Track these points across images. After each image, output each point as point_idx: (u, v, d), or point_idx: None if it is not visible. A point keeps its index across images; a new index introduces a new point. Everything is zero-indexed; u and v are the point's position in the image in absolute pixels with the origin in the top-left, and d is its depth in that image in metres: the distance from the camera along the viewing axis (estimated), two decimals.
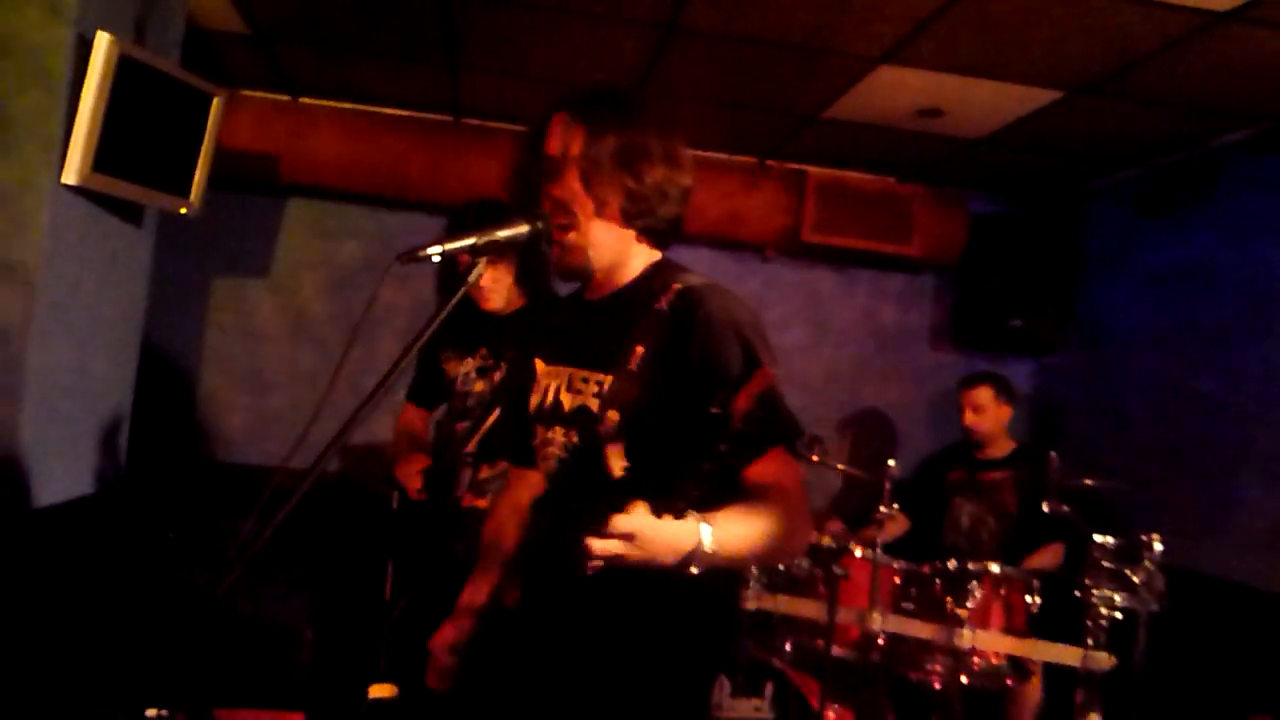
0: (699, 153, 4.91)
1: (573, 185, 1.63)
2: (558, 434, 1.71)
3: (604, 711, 1.64)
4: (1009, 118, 3.88)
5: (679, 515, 1.41)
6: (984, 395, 4.11)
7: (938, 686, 3.37)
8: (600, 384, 1.65)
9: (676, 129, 1.71)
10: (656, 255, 1.76)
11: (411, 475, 2.88)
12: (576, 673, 1.65)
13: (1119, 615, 2.96)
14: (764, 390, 1.59)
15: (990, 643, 3.23)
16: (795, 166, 4.66)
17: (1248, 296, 3.83)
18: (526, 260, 2.80)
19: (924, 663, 3.33)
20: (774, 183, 4.58)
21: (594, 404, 1.64)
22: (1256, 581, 3.57)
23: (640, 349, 1.63)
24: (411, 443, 3.07)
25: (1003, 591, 3.34)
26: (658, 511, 1.38)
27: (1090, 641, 2.94)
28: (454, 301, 1.57)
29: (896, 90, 3.71)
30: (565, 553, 1.43)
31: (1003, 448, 4.14)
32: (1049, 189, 4.86)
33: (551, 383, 1.75)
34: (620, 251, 1.71)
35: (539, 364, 1.81)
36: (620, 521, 1.33)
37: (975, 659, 3.29)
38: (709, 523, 1.43)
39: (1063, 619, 3.19)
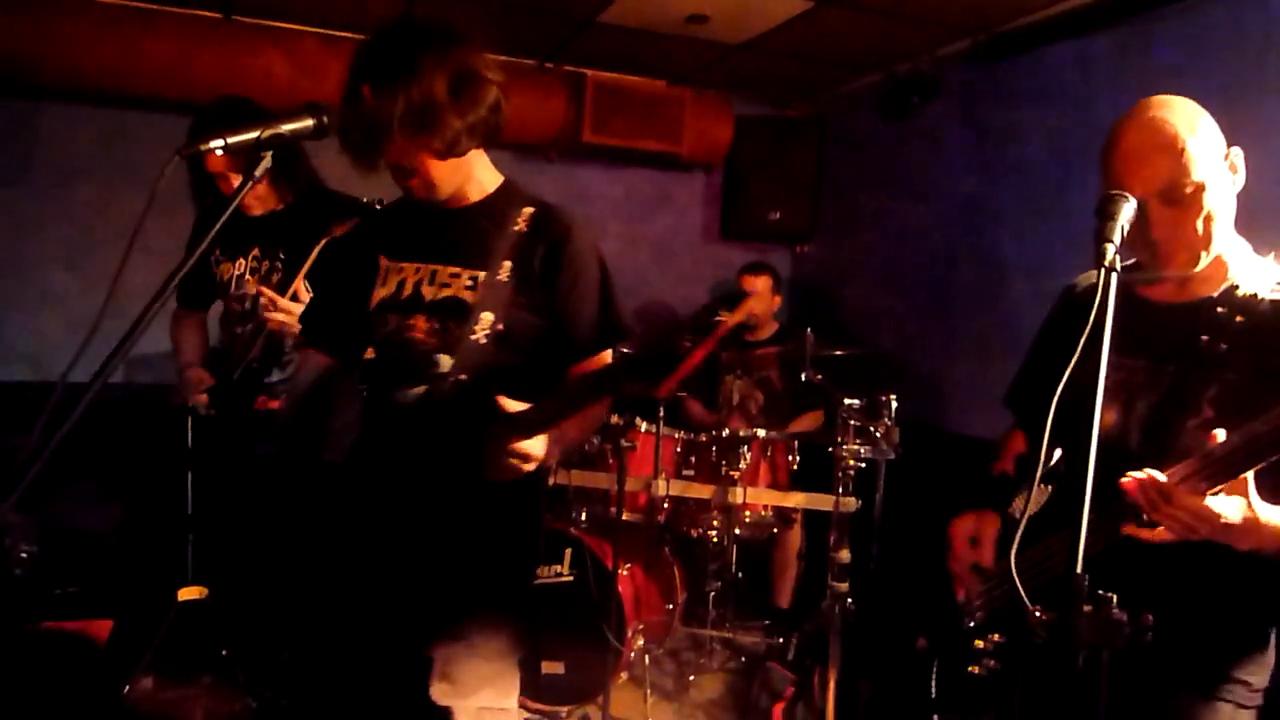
0: None
1: (404, 146, 1.70)
2: (419, 322, 1.83)
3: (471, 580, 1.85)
4: (767, 25, 4.18)
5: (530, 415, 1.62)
6: (763, 283, 4.56)
7: (715, 539, 3.82)
8: (474, 280, 1.81)
9: (463, 41, 1.75)
10: (501, 177, 1.92)
11: (195, 393, 2.89)
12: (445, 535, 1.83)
13: (862, 465, 3.42)
14: (613, 301, 1.86)
15: (758, 497, 3.69)
16: (573, 70, 4.81)
17: (963, 193, 4.40)
18: (279, 162, 2.77)
19: (703, 520, 3.75)
20: (554, 85, 4.71)
21: (468, 296, 1.80)
22: (966, 429, 4.24)
23: (508, 263, 1.79)
24: (189, 348, 3.05)
25: (768, 453, 3.80)
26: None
27: (840, 489, 3.37)
28: (235, 202, 1.54)
29: None
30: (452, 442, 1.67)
31: (769, 330, 4.62)
32: (802, 93, 5.28)
33: (405, 276, 1.87)
34: (464, 172, 1.82)
35: (383, 259, 1.92)
36: (525, 450, 1.62)
37: (746, 512, 3.75)
38: (561, 433, 1.70)
39: (818, 472, 3.69)
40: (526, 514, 1.96)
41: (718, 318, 1.41)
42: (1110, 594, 1.03)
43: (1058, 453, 1.82)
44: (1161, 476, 1.40)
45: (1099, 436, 1.59)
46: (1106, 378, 1.61)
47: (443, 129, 1.69)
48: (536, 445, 1.65)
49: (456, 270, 1.84)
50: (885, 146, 4.91)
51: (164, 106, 4.14)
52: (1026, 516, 1.18)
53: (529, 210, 1.85)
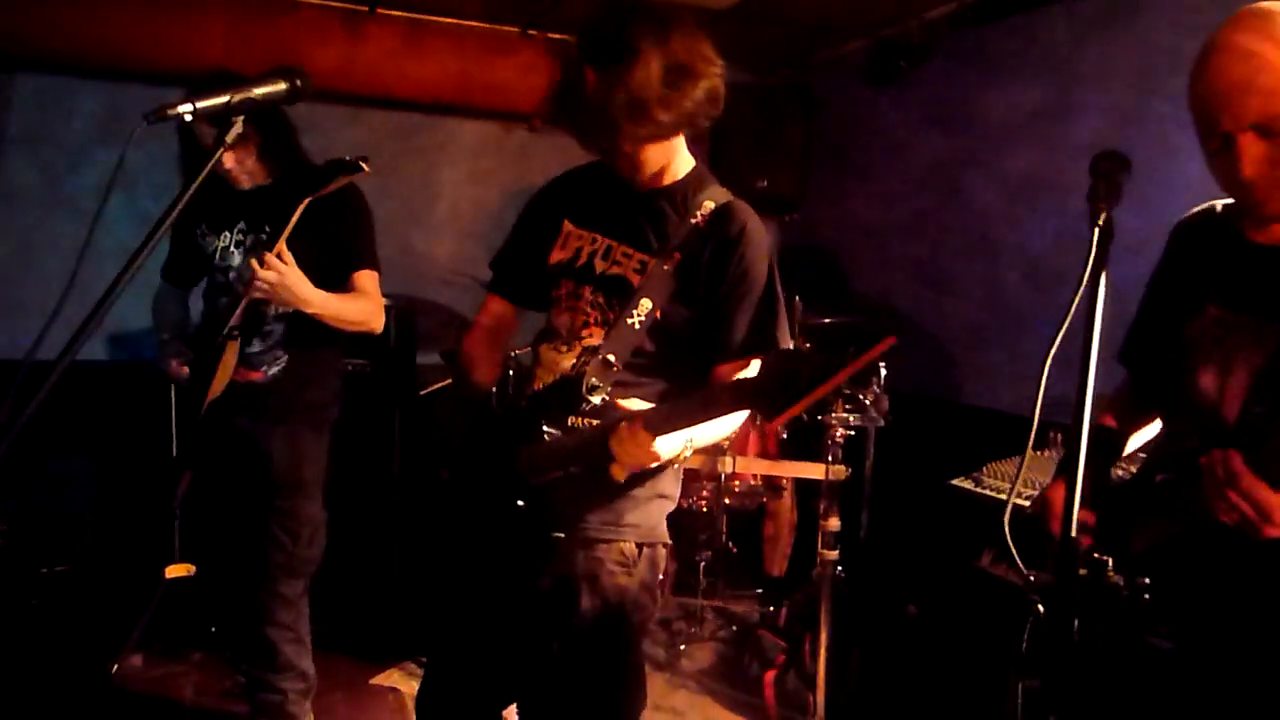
0: (459, 21, 4.86)
1: (609, 136, 1.76)
2: (586, 292, 1.89)
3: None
4: None
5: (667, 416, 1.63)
6: None
7: (705, 509, 3.82)
8: (643, 264, 1.84)
9: (682, 29, 1.78)
10: (692, 162, 1.93)
11: (177, 369, 2.86)
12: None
13: (852, 433, 3.42)
14: (774, 310, 1.84)
15: (747, 466, 3.69)
16: (556, 36, 4.74)
17: (952, 159, 4.37)
18: (267, 134, 2.72)
19: (693, 490, 3.75)
20: (537, 51, 4.64)
21: (634, 279, 1.83)
22: (955, 396, 4.25)
23: (679, 255, 1.81)
24: (170, 323, 3.01)
25: (757, 423, 3.80)
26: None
27: (829, 457, 3.36)
28: (208, 167, 1.48)
29: None
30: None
31: None
32: (789, 60, 5.22)
33: (583, 245, 1.92)
34: (667, 155, 1.87)
35: (567, 223, 1.96)
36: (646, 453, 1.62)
37: (736, 482, 3.75)
38: (688, 440, 1.71)
39: (807, 441, 3.68)
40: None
41: (848, 354, 1.35)
42: (1106, 558, 1.01)
43: (1138, 435, 1.73)
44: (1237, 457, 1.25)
45: (1197, 404, 1.48)
46: (1205, 335, 1.50)
47: (651, 120, 1.72)
48: (659, 445, 1.64)
49: (629, 250, 1.87)
50: (873, 113, 4.87)
51: (147, 79, 4.05)
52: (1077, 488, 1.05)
53: (710, 205, 1.86)
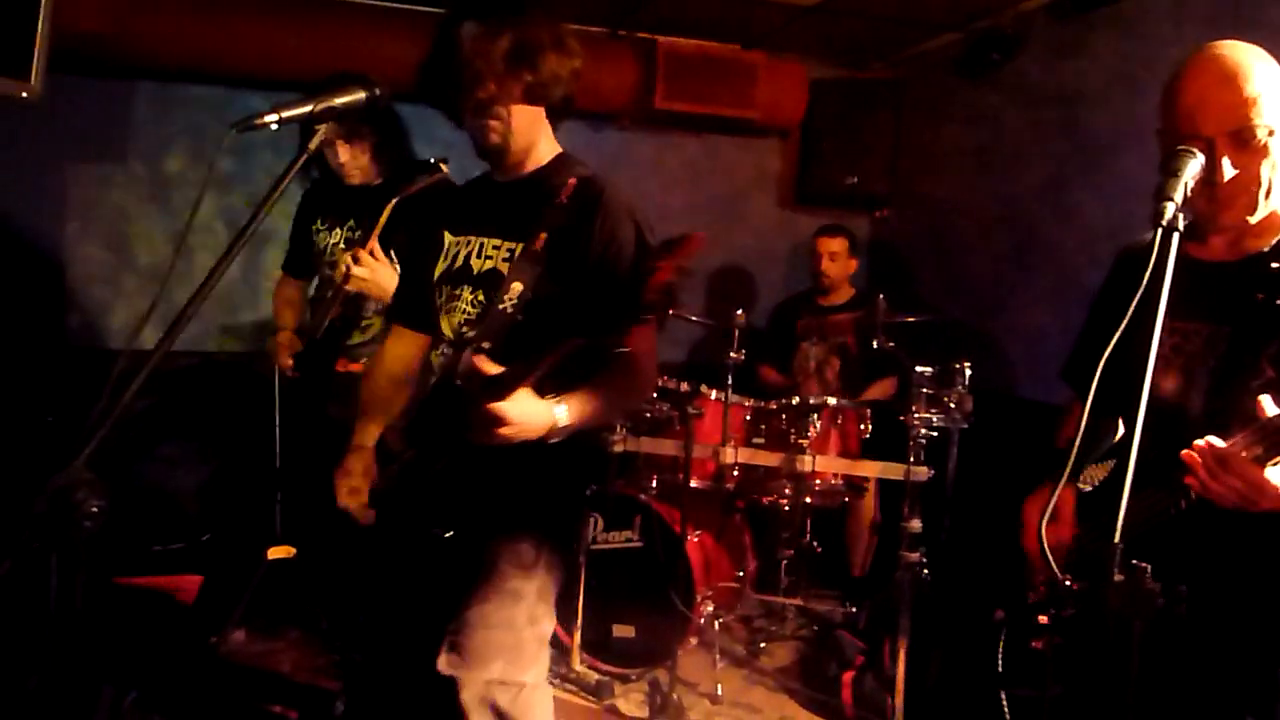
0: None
1: (501, 80, 1.80)
2: (466, 293, 1.93)
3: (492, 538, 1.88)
4: None
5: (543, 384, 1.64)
6: (840, 245, 4.52)
7: (785, 507, 3.81)
8: (511, 252, 1.89)
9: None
10: (558, 149, 1.99)
11: (283, 355, 3.03)
12: (471, 505, 1.88)
13: (935, 433, 3.35)
14: (648, 271, 1.82)
15: (828, 465, 3.66)
16: (646, 36, 4.79)
17: (1047, 153, 4.25)
18: (383, 135, 2.84)
19: (773, 488, 3.74)
20: (626, 52, 4.69)
21: (503, 268, 1.88)
22: (1042, 397, 4.12)
23: (544, 235, 1.85)
24: (287, 313, 3.18)
25: (839, 421, 3.76)
26: (526, 371, 1.60)
27: (911, 458, 3.33)
28: (293, 170, 1.58)
29: None
30: (459, 409, 1.68)
31: (845, 295, 4.57)
32: (879, 54, 5.15)
33: (461, 249, 1.97)
34: (535, 132, 1.91)
35: (446, 234, 2.02)
36: (497, 411, 1.59)
37: (816, 481, 3.72)
38: (564, 403, 1.70)
39: (890, 440, 3.64)
40: (555, 480, 1.94)
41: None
42: (1145, 564, 1.01)
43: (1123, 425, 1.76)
44: (1220, 444, 1.38)
45: (1160, 404, 1.58)
46: (1162, 344, 1.58)
47: (543, 67, 1.79)
48: (513, 410, 1.63)
49: (499, 242, 1.92)
50: (966, 107, 4.76)
51: (259, 85, 4.24)
52: (1055, 495, 1.13)
53: (572, 182, 1.90)
